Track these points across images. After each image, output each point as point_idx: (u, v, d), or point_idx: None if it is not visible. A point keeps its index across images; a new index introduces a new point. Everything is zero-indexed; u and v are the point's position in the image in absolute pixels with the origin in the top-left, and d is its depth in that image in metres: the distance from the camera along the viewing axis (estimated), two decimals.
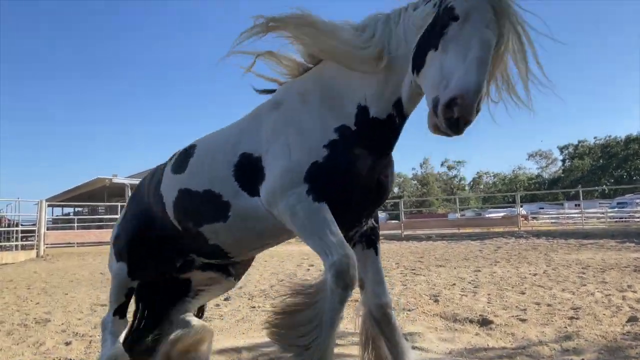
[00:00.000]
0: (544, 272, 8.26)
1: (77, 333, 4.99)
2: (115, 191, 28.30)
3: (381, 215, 38.01)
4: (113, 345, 3.06)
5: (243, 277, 3.53)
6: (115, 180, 25.22)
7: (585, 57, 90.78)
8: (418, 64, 2.10)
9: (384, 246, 13.96)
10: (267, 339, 2.64)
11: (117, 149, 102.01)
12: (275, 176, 2.35)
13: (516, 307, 5.35)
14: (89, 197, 29.61)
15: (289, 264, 11.38)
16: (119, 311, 3.15)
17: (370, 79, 2.37)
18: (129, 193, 24.60)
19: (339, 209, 2.35)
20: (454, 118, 1.83)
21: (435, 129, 1.93)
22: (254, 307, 6.03)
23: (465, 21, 1.93)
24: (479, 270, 8.87)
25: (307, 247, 2.42)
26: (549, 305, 5.38)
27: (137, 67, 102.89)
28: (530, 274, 8.16)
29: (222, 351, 4.06)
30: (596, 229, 20.19)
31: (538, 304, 5.48)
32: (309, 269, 10.10)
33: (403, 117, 2.38)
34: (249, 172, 2.51)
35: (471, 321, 4.74)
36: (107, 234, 19.12)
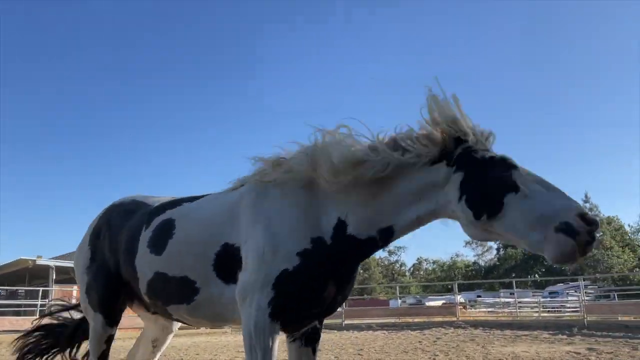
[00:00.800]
0: None
1: None
2: (38, 273, 26.20)
3: None
4: None
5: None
6: (40, 261, 23.44)
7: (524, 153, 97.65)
8: (492, 208, 2.07)
9: (324, 336, 13.39)
10: None
11: (42, 228, 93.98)
12: (246, 275, 2.38)
13: None
14: (9, 280, 27.29)
15: (222, 357, 10.71)
16: (102, 358, 3.18)
17: (357, 196, 2.33)
18: (53, 276, 22.95)
19: (297, 313, 2.41)
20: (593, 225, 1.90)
21: (581, 250, 1.89)
22: None
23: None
24: None
25: None
26: None
27: (71, 145, 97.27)
28: None
29: None
30: (530, 319, 20.65)
31: None
32: None
33: (386, 244, 2.41)
34: (227, 261, 2.54)
35: None
36: (24, 322, 17.45)
